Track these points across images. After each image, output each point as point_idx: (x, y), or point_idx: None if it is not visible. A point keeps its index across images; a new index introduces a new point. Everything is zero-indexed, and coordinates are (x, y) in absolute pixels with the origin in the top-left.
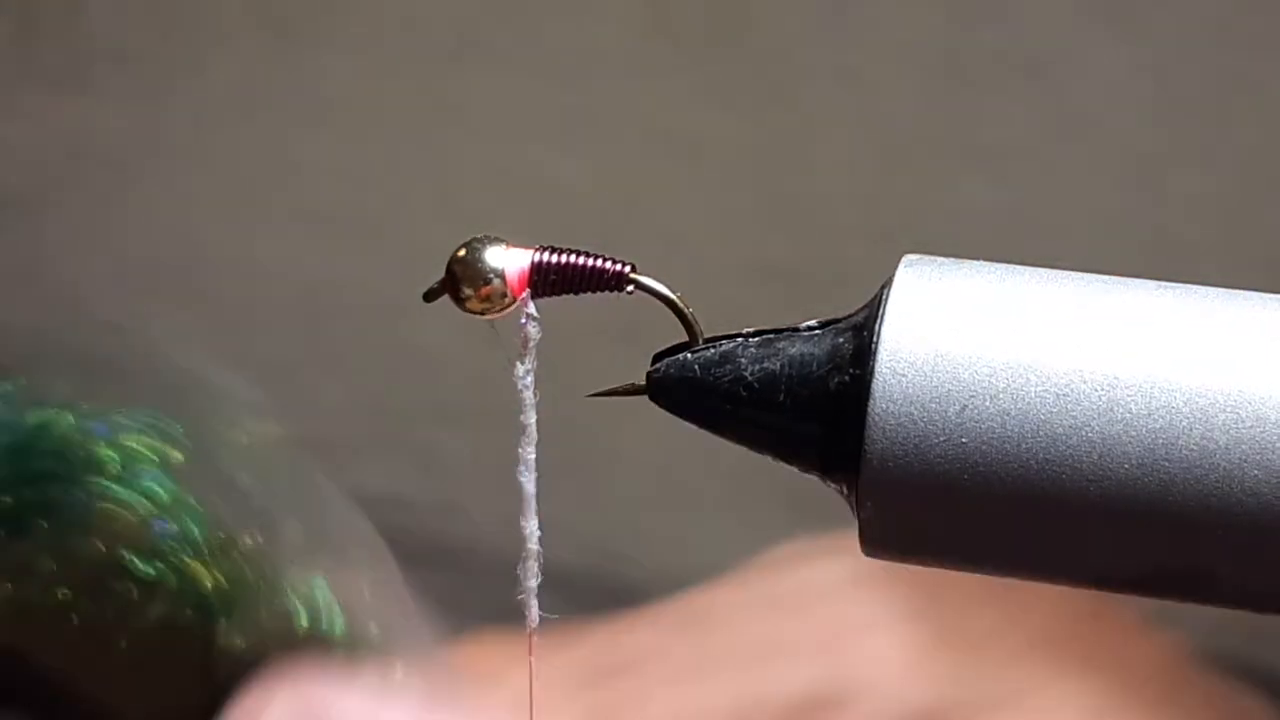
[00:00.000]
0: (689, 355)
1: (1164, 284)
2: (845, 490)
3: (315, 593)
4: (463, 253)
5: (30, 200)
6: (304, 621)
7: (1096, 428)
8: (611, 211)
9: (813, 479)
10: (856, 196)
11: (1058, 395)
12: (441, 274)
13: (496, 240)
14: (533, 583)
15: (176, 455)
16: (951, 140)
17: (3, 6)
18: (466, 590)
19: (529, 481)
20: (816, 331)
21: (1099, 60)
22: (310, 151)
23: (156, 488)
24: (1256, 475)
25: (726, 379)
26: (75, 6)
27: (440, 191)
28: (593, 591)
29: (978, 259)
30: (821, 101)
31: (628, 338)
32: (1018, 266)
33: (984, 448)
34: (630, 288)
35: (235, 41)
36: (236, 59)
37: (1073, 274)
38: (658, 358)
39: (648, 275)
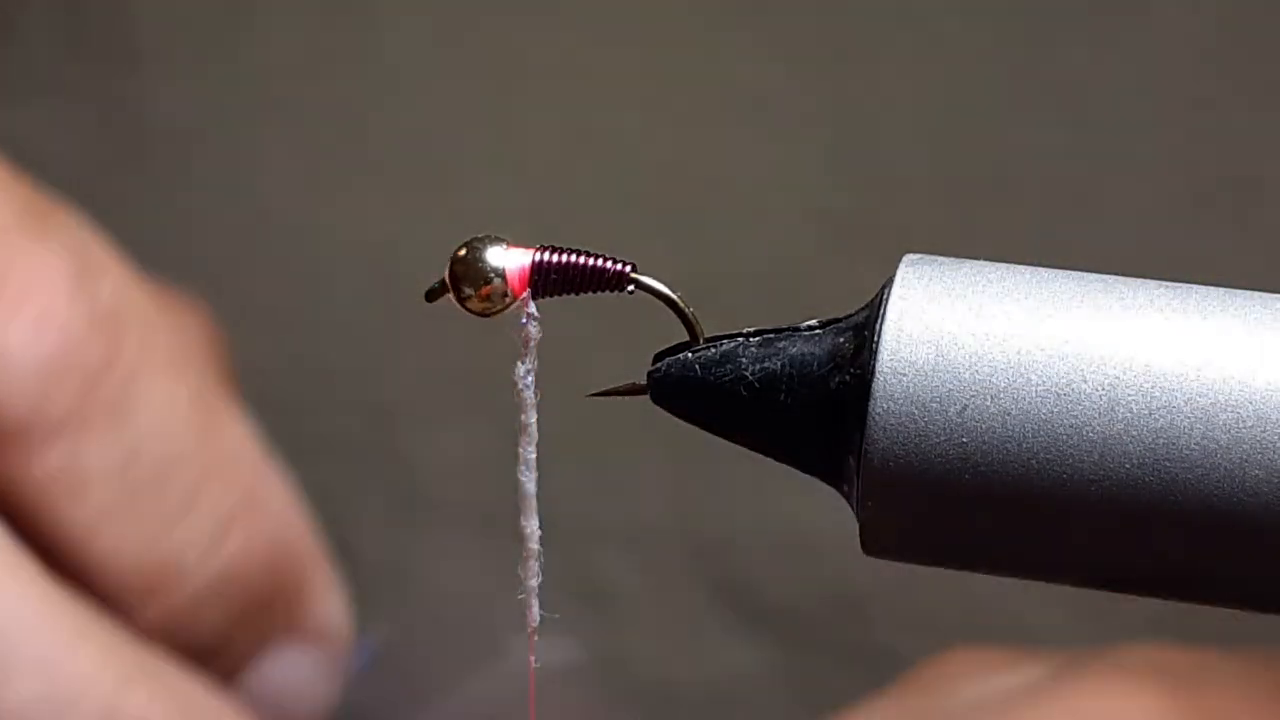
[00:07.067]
0: (690, 355)
1: (1165, 283)
2: (846, 490)
3: None
4: (464, 252)
5: (91, 180)
6: None
7: (1097, 427)
8: (675, 166)
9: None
10: (925, 146)
11: (1059, 395)
12: (443, 274)
13: (497, 240)
14: (533, 583)
15: None
16: (1020, 87)
17: None
18: (546, 552)
19: (529, 481)
20: (817, 331)
21: (1165, 4)
22: (376, 114)
23: None
24: (1257, 475)
25: (727, 379)
26: None
27: (509, 150)
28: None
29: (980, 258)
30: (887, 51)
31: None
32: (1019, 266)
33: (985, 447)
34: (631, 287)
35: (293, 6)
36: (296, 25)
37: (1073, 273)
38: (658, 357)
39: (648, 275)
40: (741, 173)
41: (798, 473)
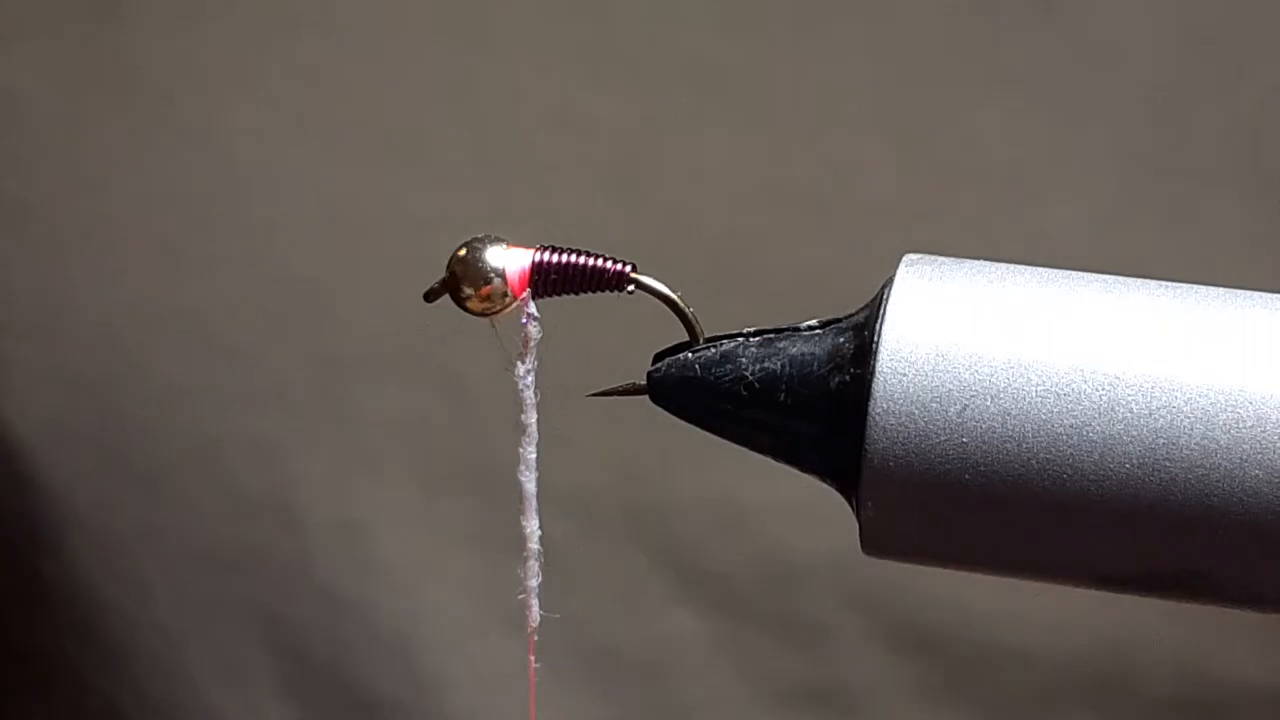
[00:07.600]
0: (690, 355)
1: (1164, 284)
2: (846, 490)
3: None
4: (463, 253)
5: (68, 127)
6: None
7: (1097, 427)
8: (631, 138)
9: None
10: (878, 125)
11: (1059, 395)
12: (443, 274)
13: (497, 240)
14: (533, 582)
15: None
16: (972, 70)
17: None
18: (487, 514)
19: (529, 481)
20: (817, 331)
21: None
22: (341, 74)
23: None
24: (1257, 475)
25: (727, 378)
26: None
27: (469, 115)
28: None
29: (979, 257)
30: (843, 30)
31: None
32: (1018, 266)
33: (985, 447)
34: (630, 287)
35: None
36: None
37: (1073, 274)
38: (658, 357)
39: (648, 275)
40: (698, 146)
41: (740, 447)
